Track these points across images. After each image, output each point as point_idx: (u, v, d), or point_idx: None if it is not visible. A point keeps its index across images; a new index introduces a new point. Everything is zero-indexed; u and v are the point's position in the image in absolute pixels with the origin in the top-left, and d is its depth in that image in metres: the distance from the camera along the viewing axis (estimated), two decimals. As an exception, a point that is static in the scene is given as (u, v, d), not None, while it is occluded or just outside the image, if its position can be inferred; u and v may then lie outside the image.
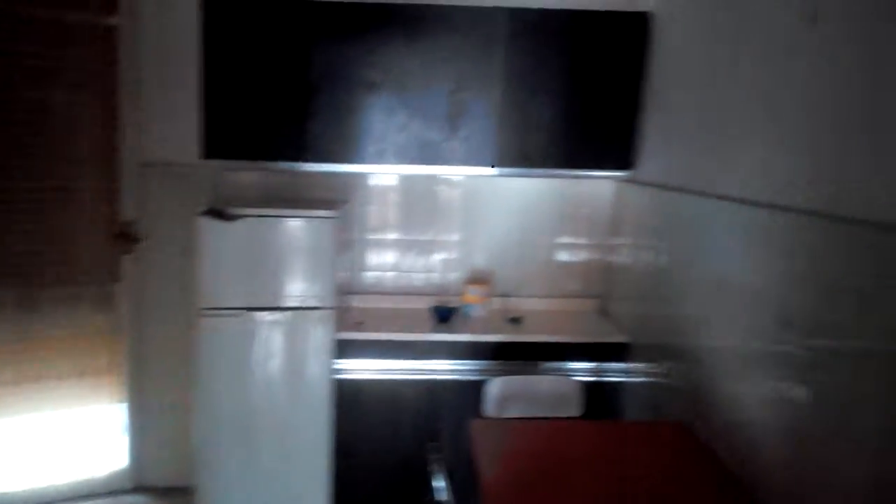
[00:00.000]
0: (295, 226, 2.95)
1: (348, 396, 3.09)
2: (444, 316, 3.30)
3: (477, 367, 3.12)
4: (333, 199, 3.38)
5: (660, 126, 3.01)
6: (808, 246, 1.78)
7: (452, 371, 3.13)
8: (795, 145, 1.90)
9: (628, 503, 1.87)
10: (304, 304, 2.99)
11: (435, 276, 3.61)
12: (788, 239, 1.88)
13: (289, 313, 2.99)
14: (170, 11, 3.15)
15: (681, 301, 2.61)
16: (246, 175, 3.45)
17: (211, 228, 2.89)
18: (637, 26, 3.14)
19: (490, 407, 2.67)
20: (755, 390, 2.01)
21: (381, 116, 3.14)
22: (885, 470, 1.45)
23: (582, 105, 3.20)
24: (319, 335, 3.01)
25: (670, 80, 2.92)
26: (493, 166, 3.23)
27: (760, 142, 2.10)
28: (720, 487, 1.97)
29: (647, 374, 2.94)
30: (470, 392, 2.97)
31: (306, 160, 3.15)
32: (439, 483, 2.23)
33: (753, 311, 2.05)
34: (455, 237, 3.59)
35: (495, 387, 2.70)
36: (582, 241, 3.61)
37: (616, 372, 3.19)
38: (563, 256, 3.63)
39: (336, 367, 3.06)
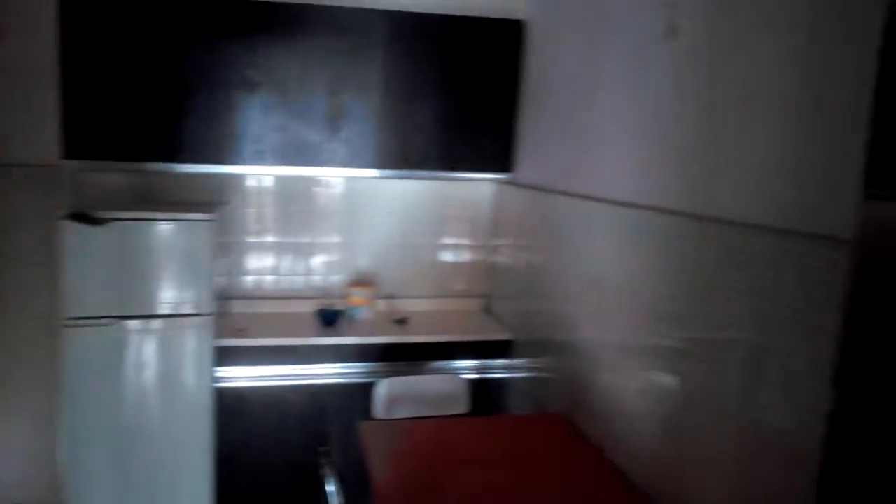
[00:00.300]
0: (168, 229, 2.82)
1: (231, 405, 2.99)
2: (328, 319, 3.26)
3: (364, 370, 3.11)
4: (210, 202, 3.26)
5: (536, 130, 3.12)
6: (675, 243, 1.91)
7: (339, 374, 3.10)
8: (658, 149, 2.03)
9: (515, 495, 1.93)
10: (179, 311, 2.86)
11: (317, 280, 3.56)
12: (657, 237, 2.01)
13: (163, 321, 2.85)
14: (24, -1, 2.91)
15: (560, 298, 2.72)
16: (114, 176, 3.26)
17: (76, 233, 2.70)
18: (511, 33, 3.24)
19: (379, 408, 2.67)
20: (630, 381, 2.13)
21: (259, 117, 3.06)
22: (746, 448, 1.59)
23: (461, 108, 3.27)
24: (197, 343, 2.89)
25: (544, 86, 3.04)
26: (374, 168, 3.23)
27: (626, 146, 2.23)
28: (598, 474, 2.08)
29: (529, 370, 3.04)
30: (358, 395, 2.95)
31: (181, 161, 3.02)
32: (330, 487, 2.21)
33: (627, 305, 2.17)
34: (337, 239, 3.56)
35: (383, 388, 2.69)
36: (465, 241, 3.68)
37: (500, 368, 3.28)
38: (447, 257, 3.69)
39: (217, 375, 2.95)
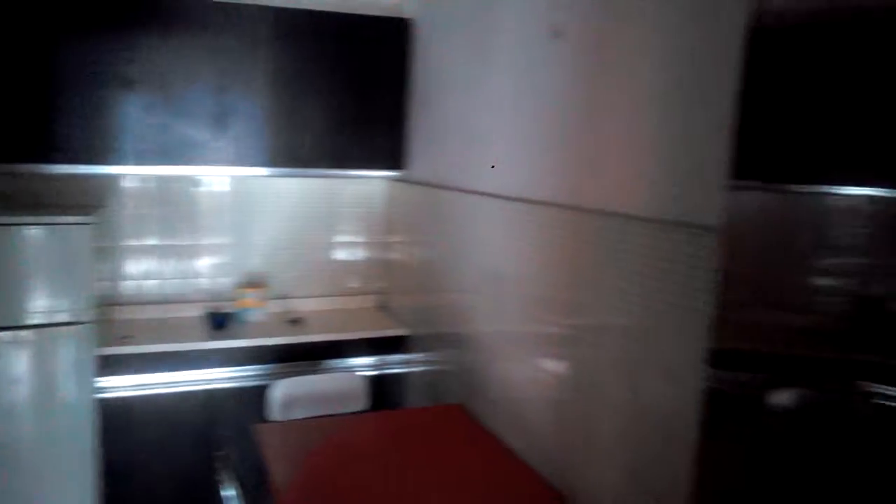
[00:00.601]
0: (41, 234, 2.65)
1: (117, 417, 2.84)
2: (219, 322, 3.17)
3: (258, 372, 3.04)
4: (87, 204, 3.08)
5: (426, 127, 3.16)
6: (562, 235, 2.00)
7: (232, 378, 3.02)
8: (544, 146, 2.12)
9: (416, 486, 1.96)
10: (53, 321, 2.69)
11: (206, 282, 3.44)
12: (545, 230, 2.09)
13: (35, 331, 2.67)
14: None
15: (454, 292, 2.78)
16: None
17: (-67, 240, 2.49)
18: (399, 32, 3.26)
19: (275, 410, 2.62)
20: (524, 369, 2.21)
21: (139, 115, 2.92)
22: (632, 427, 1.69)
23: (351, 106, 3.25)
24: (76, 353, 2.73)
25: (433, 84, 3.09)
26: (263, 166, 3.16)
27: (514, 143, 2.31)
28: (495, 460, 2.14)
29: (427, 363, 3.08)
30: (253, 398, 2.89)
31: (54, 161, 2.83)
32: (227, 493, 2.15)
33: (519, 296, 2.25)
34: (225, 240, 3.45)
35: (279, 390, 2.65)
36: (358, 239, 3.68)
37: (398, 364, 3.30)
38: (341, 255, 3.67)
39: (99, 385, 2.80)
